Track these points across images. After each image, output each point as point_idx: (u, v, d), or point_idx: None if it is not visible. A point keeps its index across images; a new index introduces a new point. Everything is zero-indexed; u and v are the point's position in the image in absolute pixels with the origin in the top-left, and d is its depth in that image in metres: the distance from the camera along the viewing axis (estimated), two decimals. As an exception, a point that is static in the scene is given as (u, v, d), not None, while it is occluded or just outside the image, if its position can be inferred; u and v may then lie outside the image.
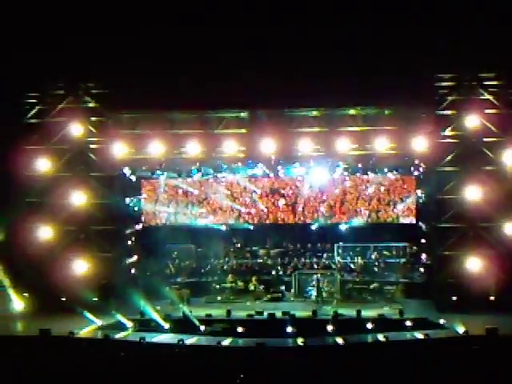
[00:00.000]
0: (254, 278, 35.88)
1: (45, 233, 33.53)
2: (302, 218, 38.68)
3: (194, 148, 34.31)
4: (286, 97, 32.43)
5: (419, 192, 36.39)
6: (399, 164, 36.05)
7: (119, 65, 31.91)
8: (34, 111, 33.91)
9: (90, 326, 29.92)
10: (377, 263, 36.55)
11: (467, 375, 21.41)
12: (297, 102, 33.37)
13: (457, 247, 32.46)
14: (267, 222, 38.97)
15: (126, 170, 35.87)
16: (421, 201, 36.41)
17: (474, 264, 31.99)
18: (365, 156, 34.95)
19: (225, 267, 37.34)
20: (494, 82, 32.35)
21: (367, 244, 37.17)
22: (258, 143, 33.96)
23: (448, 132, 32.74)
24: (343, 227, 37.79)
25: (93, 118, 34.00)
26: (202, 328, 29.61)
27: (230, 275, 36.25)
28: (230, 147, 34.36)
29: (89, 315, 30.54)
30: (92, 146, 34.09)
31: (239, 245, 38.79)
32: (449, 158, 32.73)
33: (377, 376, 21.62)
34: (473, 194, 32.16)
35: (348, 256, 37.32)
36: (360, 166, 36.17)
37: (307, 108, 34.12)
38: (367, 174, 37.05)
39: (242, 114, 34.56)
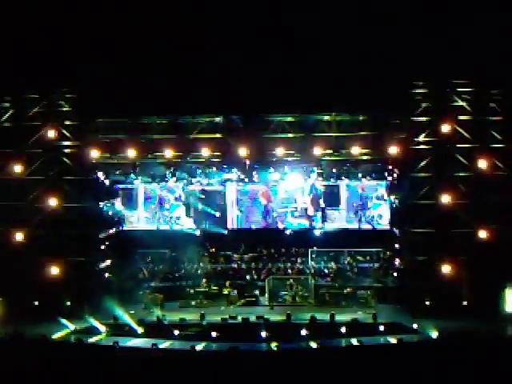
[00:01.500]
0: (227, 283, 35.86)
1: (18, 236, 33.32)
2: (275, 223, 38.67)
3: (168, 153, 34.29)
4: (261, 102, 32.45)
5: (392, 197, 36.49)
6: (373, 169, 36.21)
7: (94, 69, 31.76)
8: (7, 115, 33.76)
9: (63, 331, 29.77)
10: (350, 268, 36.71)
11: (440, 379, 21.56)
12: (272, 107, 33.40)
13: (430, 252, 32.59)
14: (241, 226, 38.92)
15: (100, 174, 35.82)
16: (394, 206, 36.51)
17: (447, 269, 32.15)
18: (339, 161, 35.13)
19: (199, 272, 37.28)
20: (468, 89, 32.50)
21: (341, 249, 37.34)
22: (232, 148, 34.08)
23: (422, 138, 32.87)
24: (317, 232, 37.80)
25: (67, 122, 33.85)
26: (176, 332, 29.54)
27: (203, 280, 36.21)
28: (205, 152, 34.35)
29: (62, 319, 30.40)
30: (66, 150, 33.91)
31: (213, 249, 38.73)
32: (422, 163, 32.87)
33: (350, 380, 21.72)
34: (446, 199, 32.30)
35: (322, 261, 37.47)
36: (334, 171, 36.28)
37: (282, 113, 34.16)
38: (341, 179, 37.08)
39: (217, 119, 34.60)
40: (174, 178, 37.28)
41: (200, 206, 38.73)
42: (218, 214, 38.79)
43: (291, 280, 35.48)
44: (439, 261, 32.41)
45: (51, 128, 33.49)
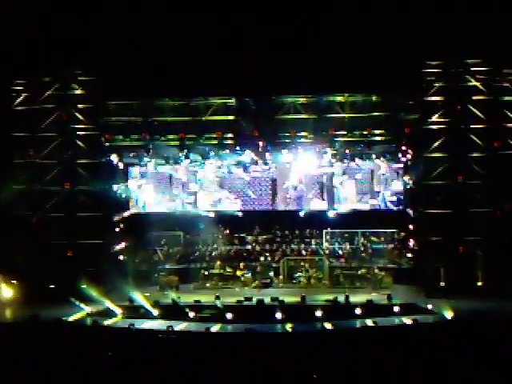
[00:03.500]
0: (242, 265, 35.90)
1: (33, 220, 33.42)
2: (290, 205, 38.65)
3: (181, 135, 34.25)
4: (274, 83, 32.41)
5: (406, 178, 36.40)
6: (387, 150, 36.14)
7: (107, 52, 31.79)
8: (21, 98, 33.79)
9: (78, 313, 29.85)
10: (365, 249, 36.66)
11: (455, 360, 21.54)
12: (285, 88, 33.35)
13: (444, 233, 32.55)
14: (255, 208, 38.94)
15: (114, 157, 35.76)
16: (408, 187, 36.43)
17: (462, 249, 32.12)
18: (352, 142, 35.07)
19: (213, 254, 37.31)
20: (481, 69, 32.35)
21: (355, 230, 37.32)
22: (245, 130, 34.00)
23: (435, 118, 32.75)
24: (331, 213, 37.75)
25: (80, 105, 33.84)
26: (191, 314, 29.63)
27: (218, 262, 36.22)
28: (218, 134, 34.31)
29: (77, 302, 30.54)
30: (79, 133, 33.93)
31: (227, 231, 38.68)
32: (436, 144, 32.75)
33: (365, 361, 21.72)
34: (460, 180, 32.22)
35: (336, 242, 37.42)
36: (347, 152, 36.22)
37: (295, 95, 34.09)
38: (354, 161, 36.99)
39: (230, 101, 34.52)
40: (188, 160, 37.26)
41: (214, 189, 38.72)
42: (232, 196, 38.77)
43: (305, 262, 35.64)
44: (453, 241, 32.40)
45: (64, 111, 33.52)
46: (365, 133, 33.96)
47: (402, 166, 36.57)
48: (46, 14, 31.86)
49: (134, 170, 38.18)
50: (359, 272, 34.68)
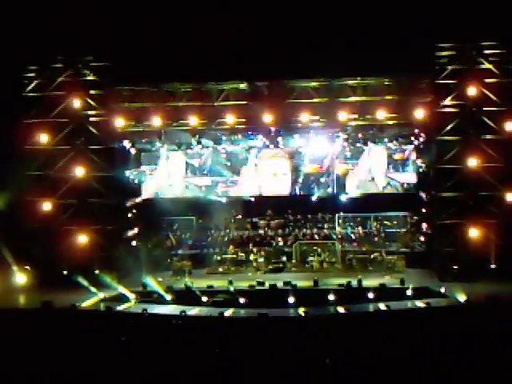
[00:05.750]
0: (254, 249, 36.01)
1: (46, 206, 33.61)
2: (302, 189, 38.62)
3: (193, 120, 34.27)
4: (286, 68, 32.32)
5: (419, 161, 36.30)
6: (399, 134, 36.07)
7: (118, 37, 31.74)
8: (33, 85, 33.79)
9: (92, 299, 29.99)
10: (377, 233, 36.77)
11: (468, 343, 21.47)
12: (296, 72, 33.25)
13: (457, 216, 32.48)
14: (267, 193, 38.89)
15: (126, 143, 35.98)
16: (421, 170, 36.33)
17: (475, 233, 32.11)
18: (365, 126, 35.01)
19: (226, 239, 37.45)
20: (495, 51, 32.15)
21: (368, 214, 37.32)
22: (257, 115, 34.02)
23: (448, 101, 32.60)
24: (343, 197, 37.70)
25: (92, 91, 33.90)
26: (204, 299, 29.69)
27: (230, 246, 36.40)
28: (230, 119, 34.31)
29: (91, 288, 30.67)
30: (91, 119, 34.02)
31: (240, 216, 38.76)
32: (449, 127, 32.62)
33: (378, 345, 21.69)
34: (473, 163, 32.14)
35: (349, 226, 37.54)
36: (360, 136, 36.17)
37: (307, 79, 33.97)
38: (367, 145, 36.90)
39: (242, 86, 34.45)
40: (200, 146, 37.26)
41: (227, 174, 38.68)
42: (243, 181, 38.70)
43: (318, 246, 35.65)
44: (467, 224, 32.33)
45: (76, 97, 33.53)
46: (377, 116, 33.73)
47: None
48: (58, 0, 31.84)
49: (147, 155, 38.18)
50: (372, 256, 34.74)
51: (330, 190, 38.14)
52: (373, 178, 37.72)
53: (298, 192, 38.54)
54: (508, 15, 29.95)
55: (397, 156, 37.32)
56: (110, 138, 34.36)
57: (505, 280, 29.73)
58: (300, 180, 38.36)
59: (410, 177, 37.18)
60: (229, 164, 38.47)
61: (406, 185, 37.25)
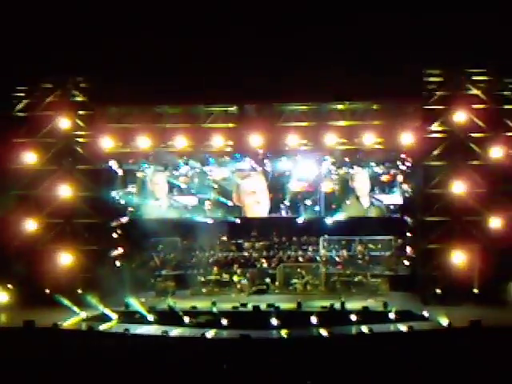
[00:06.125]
0: (238, 271, 35.91)
1: (30, 225, 33.53)
2: (288, 212, 38.61)
3: (181, 142, 34.37)
4: (274, 91, 32.47)
5: (405, 186, 36.41)
6: (386, 158, 36.21)
7: (107, 59, 31.86)
8: (21, 104, 33.88)
9: (74, 318, 29.85)
10: (362, 256, 36.65)
11: (451, 367, 21.54)
12: (285, 96, 33.38)
13: (441, 240, 32.52)
14: (252, 215, 38.90)
15: (113, 163, 35.93)
16: (407, 194, 36.44)
17: (459, 257, 32.15)
18: (352, 150, 35.08)
19: (210, 260, 37.29)
20: (482, 78, 32.37)
21: (352, 237, 37.32)
22: (245, 137, 34.10)
23: (435, 127, 32.75)
24: (329, 220, 37.68)
25: (80, 112, 33.93)
26: (187, 320, 29.61)
27: (215, 268, 36.26)
28: (218, 141, 34.45)
29: (73, 307, 30.56)
30: (79, 140, 34.03)
31: (225, 238, 38.68)
32: (436, 152, 32.75)
33: (361, 367, 21.74)
34: (459, 188, 32.24)
35: (333, 249, 37.43)
36: (347, 160, 36.31)
37: (295, 102, 34.11)
38: (353, 168, 37.03)
39: (230, 109, 34.54)
40: (187, 167, 37.33)
41: (213, 195, 38.68)
42: (230, 203, 38.71)
43: (302, 268, 35.67)
44: (450, 249, 32.37)
45: (65, 117, 33.57)
46: (364, 141, 33.84)
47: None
48: (47, 21, 31.92)
49: (133, 176, 38.21)
50: (355, 279, 34.74)
51: (317, 208, 38.15)
52: (357, 198, 37.72)
53: (283, 213, 38.45)
54: (495, 42, 30.17)
55: (384, 178, 37.29)
56: (97, 159, 34.32)
57: (487, 304, 29.81)
58: (286, 200, 38.28)
59: (395, 199, 37.14)
60: (216, 186, 38.46)
61: (393, 207, 37.24)
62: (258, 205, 38.70)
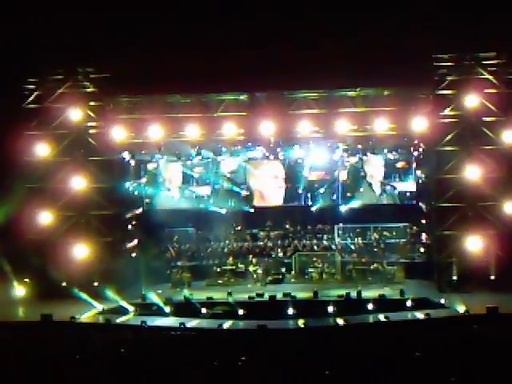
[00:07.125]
0: (254, 261, 35.94)
1: (45, 218, 33.58)
2: (304, 201, 38.57)
3: (193, 131, 34.28)
4: (286, 79, 32.32)
5: (419, 172, 36.30)
6: (399, 144, 36.08)
7: (118, 49, 31.78)
8: (33, 97, 33.80)
9: (91, 311, 29.98)
10: (377, 244, 36.68)
11: (468, 354, 21.42)
12: (296, 84, 33.25)
13: (457, 227, 32.48)
14: (267, 204, 38.87)
15: (126, 154, 35.97)
16: (420, 181, 36.33)
17: (474, 243, 32.05)
18: (364, 137, 34.93)
19: (225, 250, 37.43)
20: (494, 62, 32.19)
21: (367, 225, 37.27)
22: (257, 126, 33.95)
23: (448, 112, 32.62)
24: (343, 208, 37.68)
25: (92, 103, 33.91)
26: (203, 311, 29.64)
27: (230, 258, 36.39)
28: (230, 130, 34.36)
29: (90, 300, 30.63)
30: (91, 131, 34.09)
31: (239, 227, 38.74)
32: (448, 137, 32.64)
33: (378, 356, 21.64)
34: (472, 173, 32.12)
35: (348, 237, 37.50)
36: (359, 147, 36.22)
37: (306, 90, 33.98)
38: (366, 155, 36.93)
39: (242, 97, 34.46)
40: (200, 157, 37.31)
41: (226, 185, 38.69)
42: (244, 192, 38.71)
43: (317, 257, 35.66)
44: (466, 235, 32.27)
45: (76, 109, 33.53)
46: (377, 127, 33.70)
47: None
48: (58, 12, 31.82)
49: (145, 167, 38.21)
50: (371, 267, 34.71)
51: (334, 196, 38.11)
52: (370, 185, 37.64)
53: (299, 202, 38.50)
54: (506, 26, 29.93)
55: (399, 164, 37.22)
56: (110, 150, 34.28)
57: (504, 291, 29.68)
58: (301, 189, 38.28)
59: (409, 186, 37.05)
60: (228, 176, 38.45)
61: (408, 193, 37.18)
62: (279, 190, 38.81)
